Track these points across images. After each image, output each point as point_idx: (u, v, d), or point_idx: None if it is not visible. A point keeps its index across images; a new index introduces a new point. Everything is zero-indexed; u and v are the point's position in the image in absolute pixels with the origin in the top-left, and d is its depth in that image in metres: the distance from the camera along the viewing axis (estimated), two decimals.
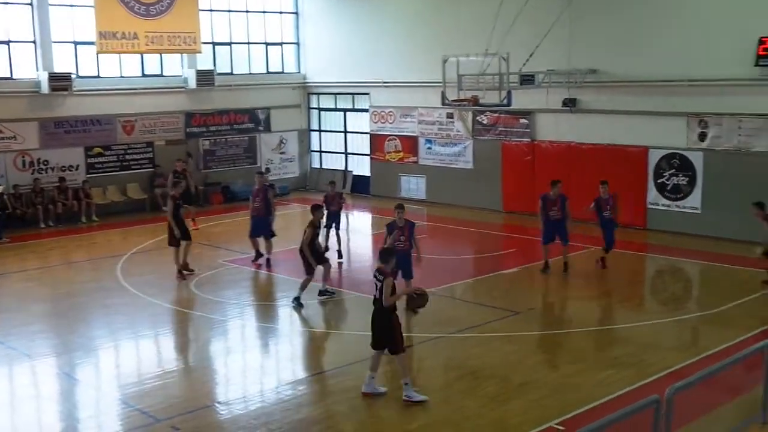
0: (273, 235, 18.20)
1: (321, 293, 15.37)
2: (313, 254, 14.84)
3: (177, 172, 21.65)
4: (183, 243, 16.98)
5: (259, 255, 18.17)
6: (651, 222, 20.82)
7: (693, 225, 19.98)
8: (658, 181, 20.59)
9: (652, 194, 20.72)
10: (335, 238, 18.82)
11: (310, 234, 14.78)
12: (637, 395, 10.02)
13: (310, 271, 14.99)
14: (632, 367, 11.46)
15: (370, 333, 10.78)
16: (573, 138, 22.17)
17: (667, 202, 20.52)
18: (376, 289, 10.52)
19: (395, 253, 11.79)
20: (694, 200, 20.03)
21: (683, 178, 20.15)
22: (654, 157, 20.62)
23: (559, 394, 10.60)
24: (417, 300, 11.74)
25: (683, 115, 19.96)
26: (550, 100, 21.76)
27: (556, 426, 9.57)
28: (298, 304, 14.84)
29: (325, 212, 17.69)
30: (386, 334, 10.53)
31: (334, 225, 18.68)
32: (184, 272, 16.89)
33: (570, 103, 21.80)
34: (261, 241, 18.25)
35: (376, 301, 10.59)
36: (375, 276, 10.66)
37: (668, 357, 11.84)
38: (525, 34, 19.94)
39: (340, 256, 18.84)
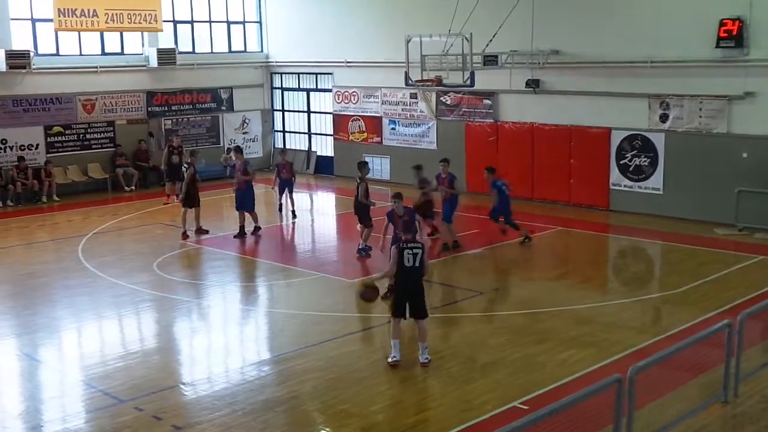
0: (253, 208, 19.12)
1: (360, 252, 16.77)
2: (367, 207, 16.68)
3: (173, 147, 23.23)
4: (194, 209, 18.70)
5: (242, 231, 18.66)
6: (614, 203, 21.03)
7: (655, 206, 20.22)
8: (621, 162, 20.78)
9: (615, 175, 20.91)
10: (289, 201, 20.84)
11: (364, 188, 16.63)
12: (599, 375, 10.17)
13: (369, 223, 16.69)
14: (594, 346, 11.60)
15: (402, 300, 10.98)
16: (536, 119, 22.28)
17: (630, 183, 20.72)
18: (415, 258, 10.87)
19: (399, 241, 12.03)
20: (656, 181, 20.25)
21: (645, 159, 20.36)
22: (616, 138, 20.78)
23: (523, 374, 10.70)
24: (369, 293, 11.84)
25: (645, 97, 20.13)
26: (514, 81, 21.83)
27: (519, 405, 9.66)
28: (366, 254, 16.57)
29: (277, 180, 20.85)
30: (423, 298, 11.11)
31: (287, 189, 20.77)
32: (201, 234, 18.64)
33: (533, 84, 21.89)
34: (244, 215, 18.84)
35: (416, 271, 10.94)
36: (407, 246, 10.92)
37: (630, 337, 12.00)
38: (488, 15, 19.93)
39: (294, 216, 20.83)
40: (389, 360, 11.09)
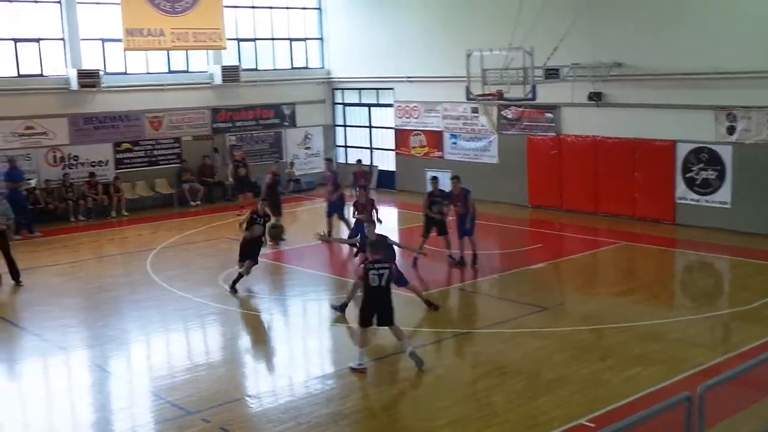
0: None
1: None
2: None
3: (237, 161, 24.17)
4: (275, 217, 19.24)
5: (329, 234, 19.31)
6: (680, 217, 20.67)
7: (723, 220, 19.81)
8: (687, 175, 20.43)
9: (681, 189, 20.56)
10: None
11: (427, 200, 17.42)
12: (667, 392, 10.00)
13: (444, 231, 17.28)
14: (662, 363, 11.41)
15: (368, 313, 11.44)
16: (599, 132, 22.06)
17: (696, 196, 20.35)
18: (381, 278, 11.34)
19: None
20: (724, 195, 19.84)
21: (712, 172, 19.99)
22: (682, 151, 20.45)
23: (588, 391, 10.58)
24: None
25: (711, 109, 19.78)
26: (576, 94, 21.64)
27: (586, 423, 9.56)
28: (460, 261, 17.07)
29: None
30: (391, 310, 11.53)
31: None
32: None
33: (595, 97, 21.69)
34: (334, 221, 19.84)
35: (381, 289, 11.39)
36: (374, 267, 11.36)
37: (699, 354, 11.78)
38: (549, 28, 19.83)
39: (379, 222, 21.15)
40: (355, 365, 11.38)
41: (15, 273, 16.51)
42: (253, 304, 15.08)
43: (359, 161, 23.00)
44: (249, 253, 15.62)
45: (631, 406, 9.80)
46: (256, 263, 15.73)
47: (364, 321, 11.53)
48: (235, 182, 24.43)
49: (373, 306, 11.47)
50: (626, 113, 21.44)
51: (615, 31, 20.91)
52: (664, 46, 20.31)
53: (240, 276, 15.39)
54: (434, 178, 18.24)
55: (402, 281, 13.82)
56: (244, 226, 15.99)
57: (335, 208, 19.98)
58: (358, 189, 19.71)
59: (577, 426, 9.51)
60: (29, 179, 22.65)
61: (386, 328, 11.69)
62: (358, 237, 16.31)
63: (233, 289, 15.38)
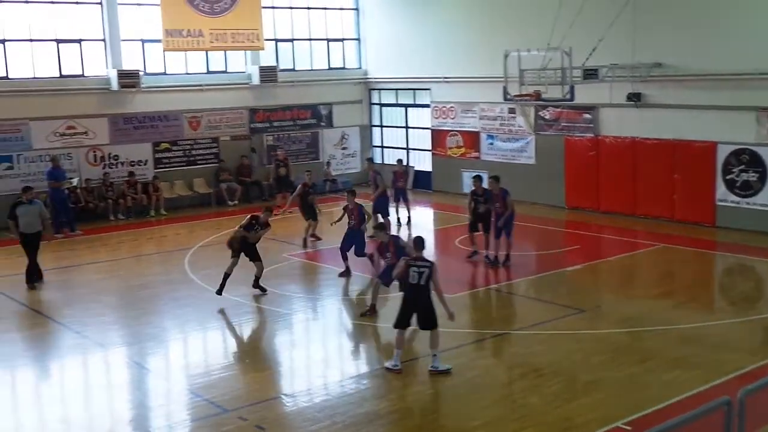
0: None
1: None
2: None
3: (278, 160, 24.67)
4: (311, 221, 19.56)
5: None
6: (720, 219, 20.38)
7: (764, 222, 19.49)
8: (727, 177, 20.14)
9: (721, 191, 20.27)
10: (405, 209, 21.92)
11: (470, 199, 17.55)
12: (706, 397, 9.87)
13: (487, 229, 17.44)
14: (701, 367, 11.28)
15: (406, 314, 11.40)
16: (638, 133, 21.84)
17: (737, 198, 20.05)
18: (420, 276, 11.20)
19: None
20: (765, 197, 19.49)
21: (753, 174, 19.68)
22: (722, 152, 20.15)
23: (626, 394, 10.50)
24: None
25: (752, 109, 19.49)
26: (614, 94, 21.44)
27: (623, 426, 9.48)
28: (494, 261, 17.20)
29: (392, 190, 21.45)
30: (431, 313, 11.29)
31: (401, 197, 21.72)
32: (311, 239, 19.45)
33: (635, 98, 21.48)
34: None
35: (420, 287, 11.24)
36: (415, 264, 11.30)
37: (739, 358, 11.60)
38: (588, 28, 19.68)
39: (409, 221, 22.07)
40: (390, 366, 11.40)
41: (32, 275, 16.54)
42: (289, 304, 15.14)
43: (399, 161, 23.02)
44: (239, 251, 15.38)
45: (670, 409, 9.70)
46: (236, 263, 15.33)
47: (401, 322, 11.48)
48: (275, 182, 24.62)
49: (412, 305, 11.37)
50: (666, 114, 21.21)
51: (655, 32, 20.68)
52: (705, 46, 20.05)
53: (226, 276, 15.16)
54: (477, 177, 18.14)
55: (385, 278, 13.89)
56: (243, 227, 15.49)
57: (380, 207, 20.00)
58: (394, 189, 19.96)
59: (614, 429, 9.44)
60: (71, 178, 22.99)
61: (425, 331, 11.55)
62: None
63: (260, 288, 15.44)
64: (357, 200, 17.02)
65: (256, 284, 15.47)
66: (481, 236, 17.51)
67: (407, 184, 22.20)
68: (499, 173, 24.73)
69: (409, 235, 20.56)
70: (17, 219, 16.35)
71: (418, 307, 11.36)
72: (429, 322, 11.35)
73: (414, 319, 11.47)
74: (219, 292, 15.02)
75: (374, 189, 20.12)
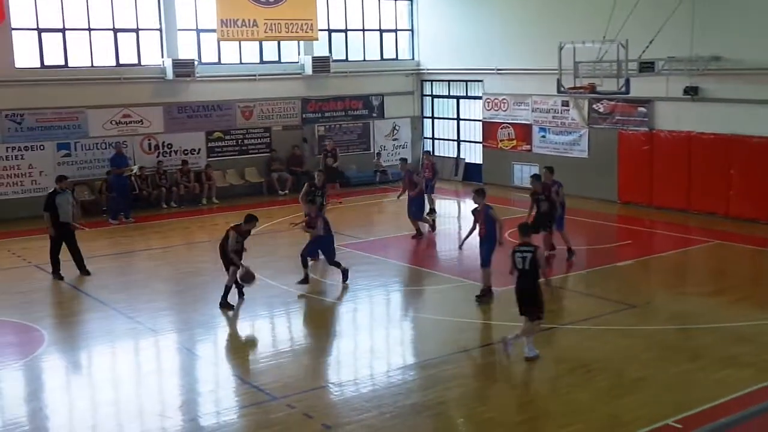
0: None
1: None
2: None
3: (327, 151, 24.76)
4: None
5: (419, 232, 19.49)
6: None
7: None
8: None
9: None
10: (427, 200, 21.02)
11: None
12: (760, 396, 9.72)
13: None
14: (754, 366, 11.07)
15: (518, 300, 11.45)
16: (694, 128, 21.46)
17: None
18: (525, 261, 11.23)
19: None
20: None
21: None
22: None
23: (676, 391, 10.35)
24: (246, 277, 13.99)
25: None
26: (671, 88, 21.12)
27: (672, 424, 9.36)
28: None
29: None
30: (536, 301, 11.35)
31: (427, 189, 20.86)
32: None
33: (691, 92, 21.09)
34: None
35: (526, 273, 11.28)
36: (519, 250, 11.35)
37: None
38: (645, 21, 19.39)
39: (432, 212, 21.62)
40: (530, 355, 11.35)
41: (80, 264, 16.55)
42: (337, 294, 15.22)
43: (426, 152, 22.95)
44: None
45: (721, 408, 9.56)
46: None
47: (520, 309, 11.55)
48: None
49: (518, 290, 11.46)
50: (723, 108, 20.79)
51: (714, 24, 20.28)
52: (764, 39, 19.59)
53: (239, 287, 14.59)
54: (536, 176, 17.49)
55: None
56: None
57: (415, 206, 19.63)
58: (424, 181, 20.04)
59: (664, 427, 9.32)
60: (132, 166, 23.36)
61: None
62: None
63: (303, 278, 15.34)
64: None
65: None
66: (548, 236, 16.87)
67: (434, 175, 21.78)
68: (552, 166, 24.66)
69: (439, 234, 20.52)
70: (56, 209, 16.11)
71: (522, 292, 11.43)
72: (530, 308, 11.41)
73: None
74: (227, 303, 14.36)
75: (409, 188, 19.49)
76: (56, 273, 16.31)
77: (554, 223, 16.84)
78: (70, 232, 16.47)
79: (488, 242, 14.17)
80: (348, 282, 15.44)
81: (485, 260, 14.22)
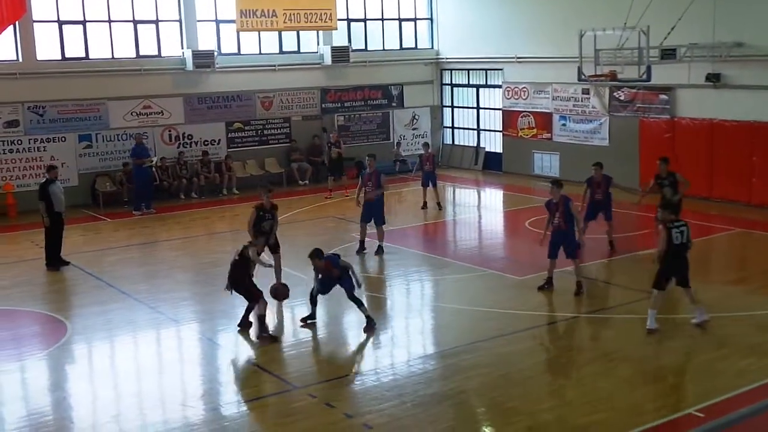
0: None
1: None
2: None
3: (330, 142, 24.32)
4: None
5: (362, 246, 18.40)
6: None
7: None
8: None
9: None
10: (434, 193, 21.49)
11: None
12: None
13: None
14: None
15: (668, 275, 11.87)
16: (716, 115, 21.26)
17: None
18: (682, 235, 11.74)
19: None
20: None
21: None
22: None
23: (699, 380, 10.30)
24: (282, 290, 13.37)
25: None
26: (692, 75, 20.88)
27: (695, 413, 9.29)
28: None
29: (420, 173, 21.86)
30: (687, 269, 11.95)
31: (429, 182, 21.38)
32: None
33: (714, 78, 20.88)
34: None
35: (683, 246, 11.81)
36: (674, 225, 11.79)
37: None
38: (666, 7, 19.19)
39: (439, 207, 21.51)
40: (649, 327, 11.75)
41: (57, 255, 16.47)
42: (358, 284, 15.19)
43: (425, 144, 22.93)
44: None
45: (744, 397, 9.49)
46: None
47: (659, 283, 11.89)
48: (328, 164, 24.40)
49: (675, 266, 11.81)
50: (746, 95, 20.58)
51: (736, 10, 20.05)
52: None
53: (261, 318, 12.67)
54: (599, 165, 16.98)
55: (349, 287, 12.68)
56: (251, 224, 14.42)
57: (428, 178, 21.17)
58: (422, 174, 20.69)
59: (687, 416, 9.26)
60: (152, 157, 23.43)
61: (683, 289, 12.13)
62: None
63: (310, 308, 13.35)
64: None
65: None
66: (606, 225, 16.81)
67: (434, 167, 21.76)
68: (572, 155, 24.55)
69: (459, 222, 20.42)
70: (50, 198, 16.18)
71: (681, 265, 11.82)
72: (687, 279, 11.93)
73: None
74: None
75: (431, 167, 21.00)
76: (53, 262, 16.46)
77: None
78: (62, 221, 16.61)
79: (569, 235, 13.80)
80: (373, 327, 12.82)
81: (571, 252, 13.88)
